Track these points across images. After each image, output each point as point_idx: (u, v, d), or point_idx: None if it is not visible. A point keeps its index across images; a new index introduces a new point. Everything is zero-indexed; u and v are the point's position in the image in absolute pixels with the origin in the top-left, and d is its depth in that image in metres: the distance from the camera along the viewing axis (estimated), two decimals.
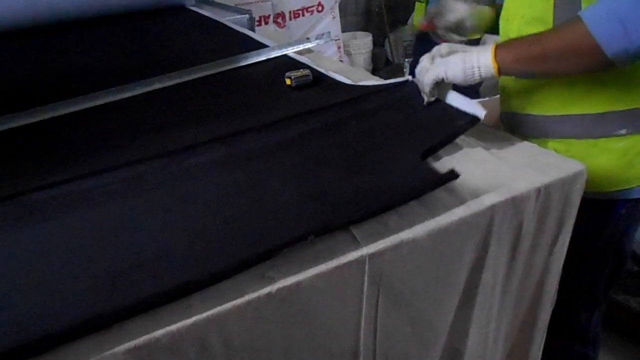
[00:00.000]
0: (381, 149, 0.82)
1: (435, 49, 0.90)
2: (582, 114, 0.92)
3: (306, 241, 0.62)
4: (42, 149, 0.91)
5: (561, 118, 0.94)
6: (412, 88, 0.97)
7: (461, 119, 0.85)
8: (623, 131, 0.91)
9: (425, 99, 0.90)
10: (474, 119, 0.84)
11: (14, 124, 1.00)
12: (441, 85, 0.88)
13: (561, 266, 0.87)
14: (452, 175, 0.71)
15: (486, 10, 1.08)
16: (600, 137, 0.92)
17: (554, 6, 0.88)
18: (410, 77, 1.00)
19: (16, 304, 0.56)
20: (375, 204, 0.68)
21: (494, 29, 1.10)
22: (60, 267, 0.61)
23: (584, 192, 0.82)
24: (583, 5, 0.85)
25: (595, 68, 0.84)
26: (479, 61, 0.84)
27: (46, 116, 1.03)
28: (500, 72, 0.84)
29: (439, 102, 0.91)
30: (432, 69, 0.87)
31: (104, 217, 0.70)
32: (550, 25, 0.89)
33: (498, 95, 1.14)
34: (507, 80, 1.03)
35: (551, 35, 0.83)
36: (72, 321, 0.53)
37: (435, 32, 1.11)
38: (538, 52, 0.82)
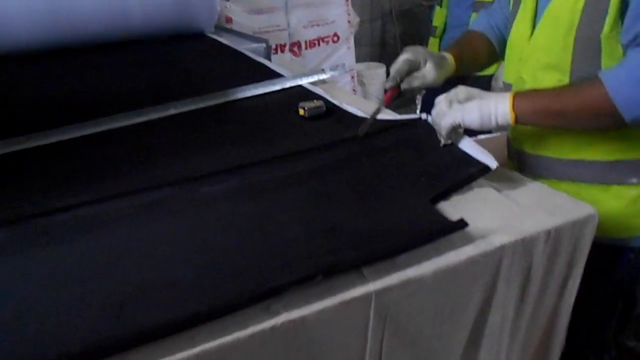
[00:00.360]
0: (392, 190, 0.82)
1: (453, 92, 0.90)
2: (593, 160, 0.93)
3: (314, 281, 0.62)
4: (58, 171, 0.92)
5: (573, 162, 0.94)
6: (425, 127, 0.98)
7: (473, 166, 0.85)
8: (634, 180, 0.91)
9: (442, 141, 0.91)
10: (485, 168, 0.84)
11: (32, 144, 1.02)
12: (457, 130, 0.89)
13: (570, 310, 0.86)
14: (462, 224, 0.71)
15: (449, 61, 1.04)
16: (612, 184, 0.92)
17: (573, 55, 0.88)
18: (424, 115, 1.00)
19: (25, 326, 0.56)
20: (385, 248, 0.68)
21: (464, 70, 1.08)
22: (71, 291, 0.61)
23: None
24: (603, 59, 0.86)
25: (612, 128, 0.86)
26: (497, 109, 0.85)
27: (63, 137, 1.05)
28: (517, 121, 0.85)
29: (452, 145, 0.92)
30: (449, 114, 0.87)
31: (116, 243, 0.70)
32: (567, 73, 0.89)
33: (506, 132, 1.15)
34: None
35: (571, 93, 0.84)
36: (79, 346, 0.53)
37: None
38: (556, 109, 0.84)
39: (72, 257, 0.68)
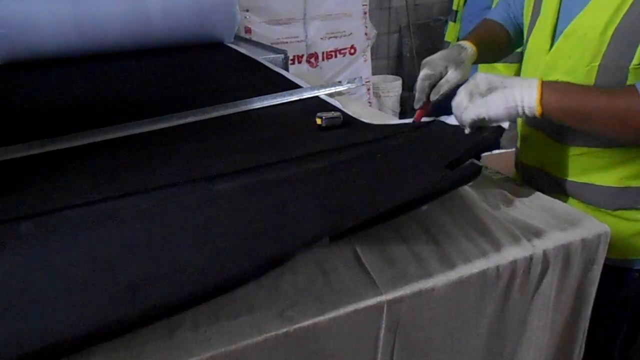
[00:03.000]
0: (405, 171, 0.82)
1: (472, 83, 0.84)
2: (602, 185, 0.92)
3: (320, 242, 0.62)
4: (82, 170, 0.95)
5: (581, 185, 0.93)
6: (439, 124, 0.96)
7: (485, 131, 0.82)
8: None
9: (467, 130, 0.86)
10: (497, 129, 0.81)
11: (56, 147, 1.05)
12: (483, 122, 0.84)
13: (585, 328, 0.85)
14: (475, 168, 0.69)
15: (469, 50, 0.99)
16: (619, 209, 0.91)
17: (595, 82, 0.85)
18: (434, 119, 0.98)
19: (44, 307, 0.58)
20: (392, 202, 0.67)
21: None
22: (86, 276, 0.63)
23: None
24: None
25: (635, 143, 0.83)
26: (523, 100, 0.80)
27: (86, 141, 1.08)
28: (542, 115, 0.81)
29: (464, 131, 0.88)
30: (471, 108, 0.82)
31: (130, 234, 0.72)
32: None
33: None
34: (528, 132, 1.02)
35: (603, 97, 0.80)
36: (94, 325, 0.54)
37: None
38: (586, 110, 0.80)
39: (89, 246, 0.70)
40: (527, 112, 0.80)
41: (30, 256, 0.69)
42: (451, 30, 2.37)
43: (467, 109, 0.82)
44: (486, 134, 0.82)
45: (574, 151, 0.93)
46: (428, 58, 0.98)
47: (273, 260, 0.61)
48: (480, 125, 0.86)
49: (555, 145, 0.95)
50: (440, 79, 0.94)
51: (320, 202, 0.75)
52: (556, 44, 0.92)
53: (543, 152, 0.97)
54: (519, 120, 1.06)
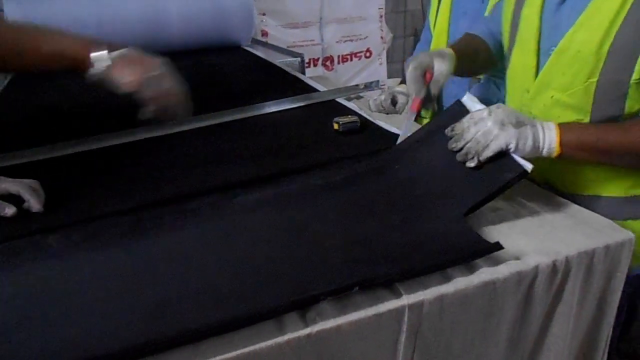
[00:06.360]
0: (425, 199, 0.83)
1: (502, 113, 0.81)
2: (609, 196, 0.91)
3: (351, 291, 0.63)
4: (101, 178, 0.96)
5: (588, 198, 0.92)
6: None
7: (508, 172, 0.80)
8: None
9: (474, 163, 0.82)
10: (521, 174, 0.79)
11: (77, 150, 1.06)
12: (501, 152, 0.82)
13: (609, 335, 0.84)
14: (498, 246, 0.70)
15: (449, 55, 1.02)
16: (627, 219, 0.90)
17: (595, 98, 0.85)
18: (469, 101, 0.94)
19: (70, 326, 0.59)
20: (421, 265, 0.68)
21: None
22: (113, 292, 0.64)
23: None
24: (628, 102, 0.83)
25: None
26: (544, 141, 0.81)
27: (104, 144, 1.09)
28: (560, 156, 0.82)
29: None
30: (502, 136, 0.80)
31: (156, 249, 0.73)
32: (587, 114, 0.86)
33: None
34: None
35: (619, 133, 0.82)
36: (120, 345, 0.55)
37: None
38: (603, 148, 0.82)
39: (115, 262, 0.71)
40: (544, 152, 0.82)
41: (54, 271, 0.70)
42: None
43: (497, 136, 0.80)
44: (510, 176, 0.79)
45: (578, 165, 0.92)
46: (413, 56, 1.02)
47: (301, 302, 0.62)
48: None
49: (558, 161, 0.92)
50: (429, 69, 0.99)
51: (342, 230, 0.76)
52: (549, 61, 0.90)
53: (546, 168, 0.93)
54: None
